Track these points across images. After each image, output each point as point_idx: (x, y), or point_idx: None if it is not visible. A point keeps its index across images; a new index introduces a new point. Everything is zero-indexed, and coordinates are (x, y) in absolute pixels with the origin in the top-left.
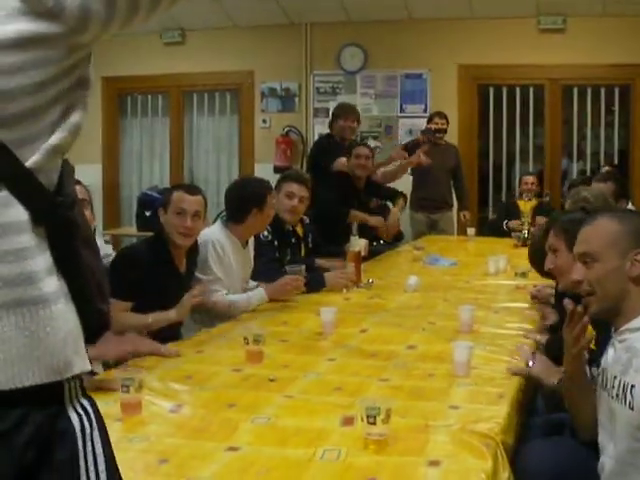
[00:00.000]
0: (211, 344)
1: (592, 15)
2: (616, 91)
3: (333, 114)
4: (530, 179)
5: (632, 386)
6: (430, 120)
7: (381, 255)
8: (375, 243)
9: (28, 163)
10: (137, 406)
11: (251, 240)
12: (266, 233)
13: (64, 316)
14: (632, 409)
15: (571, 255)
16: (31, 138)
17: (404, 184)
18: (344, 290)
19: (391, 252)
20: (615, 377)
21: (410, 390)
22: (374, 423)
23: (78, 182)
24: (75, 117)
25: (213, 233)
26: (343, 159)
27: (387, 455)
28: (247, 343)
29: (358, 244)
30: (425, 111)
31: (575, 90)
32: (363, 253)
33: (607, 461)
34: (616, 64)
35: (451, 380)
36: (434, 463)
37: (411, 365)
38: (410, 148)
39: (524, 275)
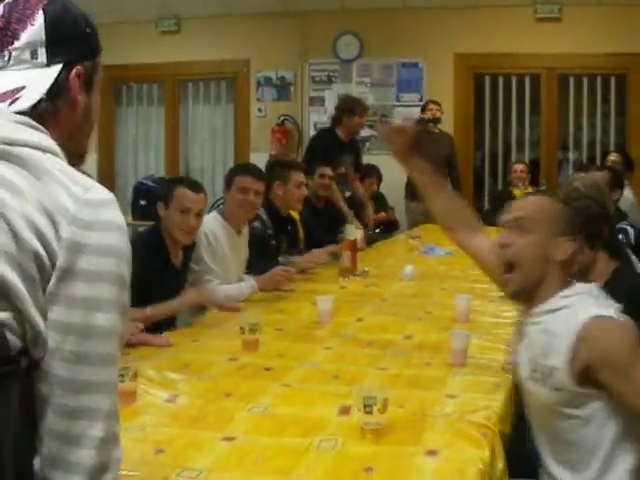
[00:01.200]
0: (207, 333)
1: (588, 4)
2: (612, 80)
3: (346, 110)
4: (520, 167)
5: (555, 369)
6: (424, 108)
7: (377, 244)
8: (370, 232)
9: None
10: (132, 395)
11: (246, 228)
12: (257, 224)
13: None
14: (559, 390)
15: (583, 241)
16: None
17: (398, 173)
18: (340, 278)
19: (387, 241)
20: (535, 361)
21: (407, 379)
22: (371, 412)
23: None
24: None
25: (207, 223)
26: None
27: (384, 444)
28: (243, 332)
29: (353, 232)
30: (421, 100)
31: (571, 79)
32: (360, 245)
33: (541, 448)
34: (612, 53)
35: (448, 369)
36: (431, 452)
37: (408, 354)
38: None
39: None
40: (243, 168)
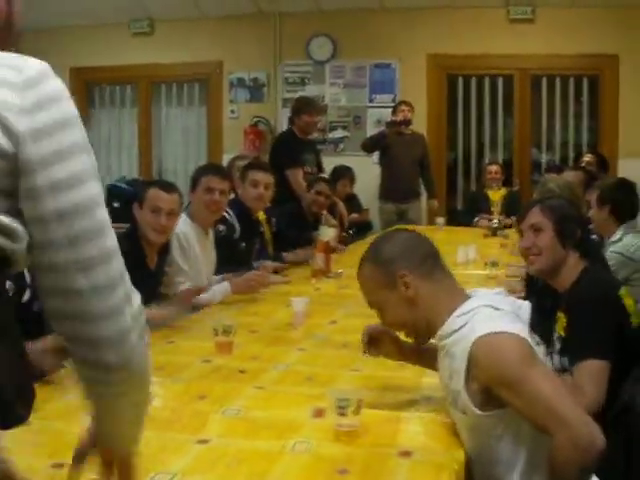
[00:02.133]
0: (181, 335)
1: (561, 5)
2: (585, 81)
3: (295, 108)
4: (494, 168)
5: (458, 392)
6: (395, 109)
7: (350, 245)
8: (344, 234)
9: None
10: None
11: (210, 231)
12: (221, 227)
13: None
14: (465, 413)
15: (555, 238)
16: None
17: (372, 174)
18: (312, 280)
19: (360, 242)
20: (447, 385)
21: (381, 380)
22: (344, 414)
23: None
24: None
25: (178, 225)
26: (300, 176)
27: (358, 446)
28: (217, 334)
29: (327, 234)
30: (394, 101)
31: (544, 80)
32: (332, 243)
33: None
34: (585, 54)
35: (422, 370)
36: (405, 454)
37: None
38: (376, 141)
39: (494, 265)
40: (208, 168)
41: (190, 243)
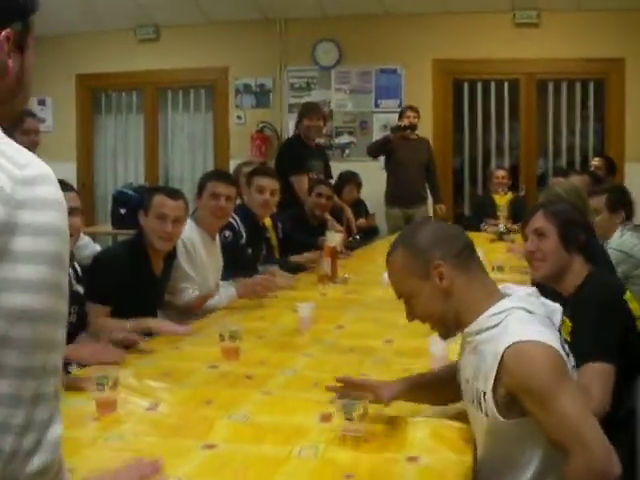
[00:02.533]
0: (187, 341)
1: (567, 10)
2: (591, 85)
3: (299, 114)
4: (501, 173)
5: (483, 393)
6: (402, 114)
7: (357, 250)
8: (350, 239)
9: None
10: (112, 404)
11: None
12: (227, 233)
13: None
14: (486, 415)
15: (559, 243)
16: None
17: (378, 179)
18: (319, 286)
19: (367, 247)
20: (468, 381)
21: None
22: (351, 419)
23: (71, 188)
24: None
25: (184, 231)
26: (305, 183)
27: (365, 451)
28: (223, 340)
29: (334, 239)
30: (400, 106)
31: (550, 85)
32: (339, 248)
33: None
34: (591, 58)
35: None
36: (413, 459)
37: (389, 360)
38: (380, 146)
39: (501, 269)
40: (214, 174)
41: (196, 249)
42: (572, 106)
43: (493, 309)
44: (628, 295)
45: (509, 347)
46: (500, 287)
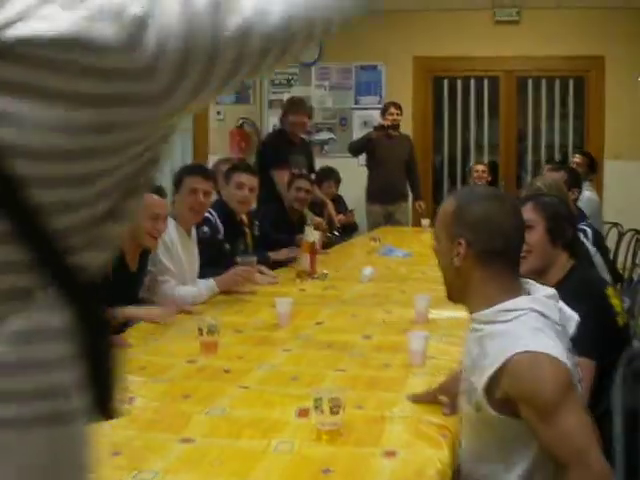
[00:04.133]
0: (165, 335)
1: (547, 7)
2: (570, 83)
3: (283, 108)
4: (480, 167)
5: (476, 389)
6: (384, 111)
7: (336, 246)
8: (329, 234)
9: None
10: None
11: (194, 230)
12: (205, 228)
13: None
14: (477, 411)
15: (546, 236)
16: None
17: (357, 176)
18: (297, 280)
19: (346, 243)
20: (465, 370)
21: (366, 380)
22: (324, 413)
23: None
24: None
25: None
26: (285, 178)
27: (342, 446)
28: (201, 334)
29: (313, 235)
30: (380, 103)
31: (530, 82)
32: (317, 244)
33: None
34: (571, 56)
35: (407, 370)
36: (390, 453)
37: (367, 355)
38: (363, 144)
39: None
40: (191, 169)
41: (174, 243)
42: (552, 103)
43: (508, 304)
44: (610, 291)
45: (517, 354)
46: (524, 283)
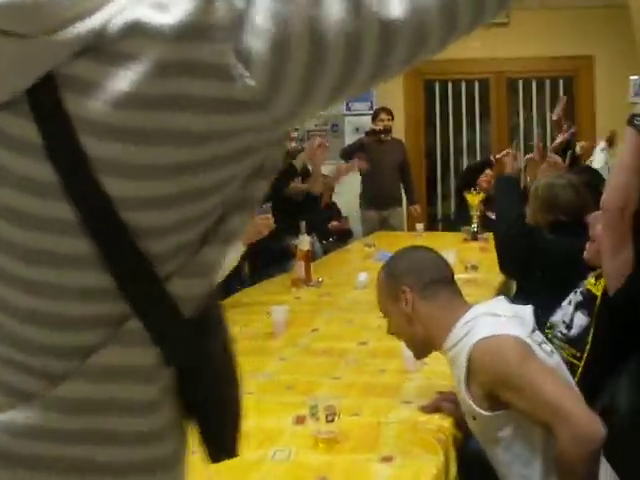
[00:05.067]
0: None
1: (535, 8)
2: (560, 83)
3: None
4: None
5: (463, 398)
6: (375, 116)
7: (330, 253)
8: (324, 241)
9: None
10: None
11: None
12: None
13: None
14: (474, 419)
15: None
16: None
17: (351, 182)
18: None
19: (341, 250)
20: (458, 394)
21: (362, 387)
22: (322, 420)
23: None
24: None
25: None
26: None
27: (338, 453)
28: None
29: (307, 242)
30: (371, 108)
31: (520, 83)
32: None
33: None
34: (560, 56)
35: (403, 375)
36: (386, 459)
37: (362, 362)
38: (354, 150)
39: (475, 268)
40: None
41: None
42: (542, 104)
43: (461, 320)
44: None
45: (473, 346)
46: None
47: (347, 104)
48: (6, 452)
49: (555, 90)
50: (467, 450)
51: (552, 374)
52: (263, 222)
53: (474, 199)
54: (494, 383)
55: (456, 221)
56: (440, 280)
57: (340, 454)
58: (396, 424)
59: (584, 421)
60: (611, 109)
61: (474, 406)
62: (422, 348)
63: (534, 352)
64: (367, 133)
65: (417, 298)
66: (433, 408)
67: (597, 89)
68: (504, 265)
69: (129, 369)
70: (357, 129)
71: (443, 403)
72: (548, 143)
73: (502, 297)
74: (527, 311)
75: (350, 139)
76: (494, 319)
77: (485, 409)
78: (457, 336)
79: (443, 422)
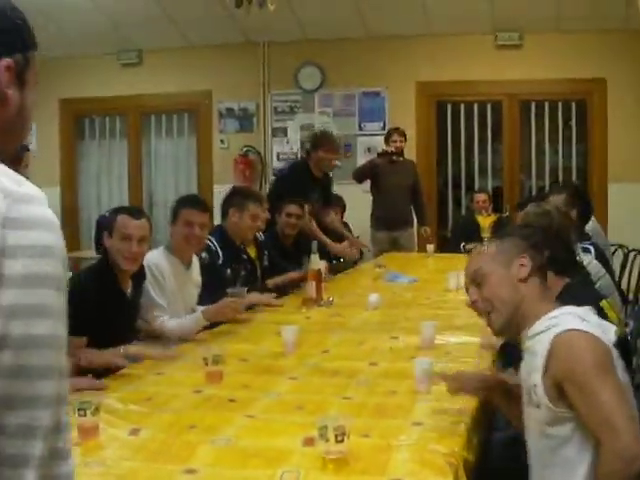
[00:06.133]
0: (170, 365)
1: (548, 31)
2: (573, 106)
3: (312, 142)
4: (481, 197)
5: (535, 385)
6: (388, 137)
7: (342, 273)
8: (335, 261)
9: None
10: (94, 430)
11: (195, 260)
12: (204, 254)
13: None
14: (538, 407)
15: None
16: None
17: (362, 202)
18: (303, 308)
19: (352, 270)
20: (524, 382)
21: (372, 408)
22: (327, 440)
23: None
24: None
25: (152, 257)
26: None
27: (348, 474)
28: (206, 364)
29: (318, 262)
30: (383, 128)
31: (533, 105)
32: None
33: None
34: (573, 79)
35: (413, 397)
36: None
37: (373, 382)
38: (367, 171)
39: None
40: (188, 201)
41: (165, 276)
42: (554, 127)
43: (550, 314)
44: (605, 303)
45: (559, 334)
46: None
47: (360, 124)
48: None
49: (568, 113)
50: (478, 474)
51: (617, 387)
52: (231, 305)
53: (485, 221)
54: (565, 375)
55: (451, 241)
56: (552, 265)
57: (350, 475)
58: (406, 447)
59: (630, 438)
60: (623, 132)
61: (543, 395)
62: (510, 321)
63: (613, 362)
64: (379, 154)
65: (533, 269)
66: (457, 387)
67: (610, 112)
68: None
69: None
70: (369, 149)
71: (468, 381)
72: (560, 170)
73: (589, 307)
74: (611, 330)
75: (362, 159)
76: (580, 320)
77: (551, 400)
78: (539, 328)
79: (454, 445)
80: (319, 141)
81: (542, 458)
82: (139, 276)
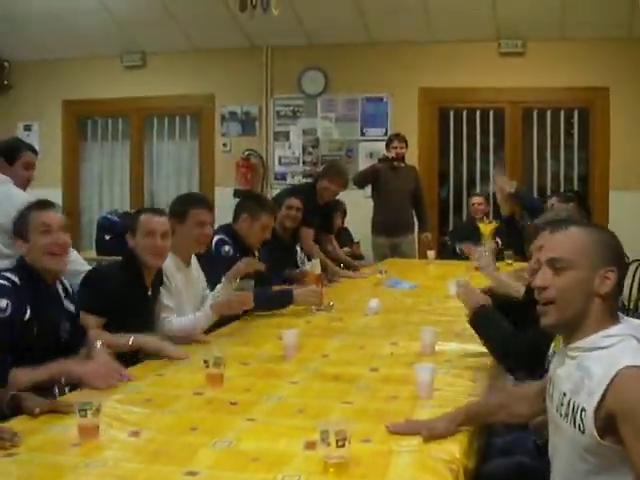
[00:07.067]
0: (171, 367)
1: (551, 39)
2: (575, 114)
3: (323, 170)
4: (478, 199)
5: (583, 409)
6: (389, 143)
7: (341, 278)
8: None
9: None
10: (94, 431)
11: (194, 257)
12: (227, 247)
13: None
14: (582, 432)
15: None
16: None
17: (363, 207)
18: (313, 308)
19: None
20: (565, 394)
21: (373, 413)
22: (328, 444)
23: (52, 205)
24: None
25: None
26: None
27: (348, 479)
28: (207, 366)
29: (318, 267)
30: (386, 134)
31: (535, 113)
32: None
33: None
34: (575, 87)
35: (414, 402)
36: None
37: (374, 387)
38: (368, 176)
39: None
40: (196, 200)
41: (171, 277)
42: (557, 134)
43: (606, 331)
44: None
45: (624, 368)
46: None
47: (362, 129)
48: None
49: (570, 121)
50: None
51: None
52: (239, 299)
53: (486, 228)
54: (622, 413)
55: (452, 243)
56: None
57: None
58: (407, 452)
59: None
60: (626, 140)
61: (592, 422)
62: (565, 324)
63: None
64: (380, 160)
65: (614, 287)
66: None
67: (612, 120)
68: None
69: None
70: (371, 154)
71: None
72: (562, 177)
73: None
74: None
75: (364, 164)
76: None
77: (598, 431)
78: (597, 343)
79: (455, 452)
80: (329, 171)
81: (573, 476)
82: (157, 280)
